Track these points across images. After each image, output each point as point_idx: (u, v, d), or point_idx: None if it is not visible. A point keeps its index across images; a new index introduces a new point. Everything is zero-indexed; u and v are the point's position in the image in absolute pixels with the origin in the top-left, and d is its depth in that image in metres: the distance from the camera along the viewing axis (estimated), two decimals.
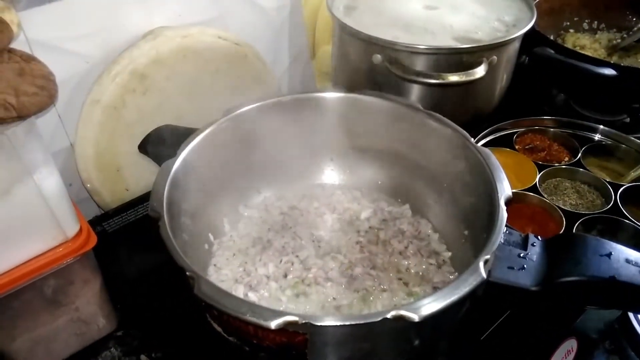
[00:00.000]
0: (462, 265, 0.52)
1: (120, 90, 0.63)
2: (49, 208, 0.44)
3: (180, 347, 0.52)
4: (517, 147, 0.74)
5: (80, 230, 0.48)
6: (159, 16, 0.67)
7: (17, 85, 0.38)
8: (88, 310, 0.52)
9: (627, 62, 0.89)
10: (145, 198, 0.66)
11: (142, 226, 0.64)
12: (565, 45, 0.90)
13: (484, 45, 0.65)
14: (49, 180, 0.43)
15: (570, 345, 0.52)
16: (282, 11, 0.82)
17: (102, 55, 0.63)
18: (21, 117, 0.37)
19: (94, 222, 0.63)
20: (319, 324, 0.34)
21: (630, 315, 0.55)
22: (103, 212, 0.70)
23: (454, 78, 0.62)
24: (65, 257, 0.47)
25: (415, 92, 0.68)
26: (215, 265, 0.53)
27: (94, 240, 0.49)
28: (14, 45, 0.40)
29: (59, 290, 0.49)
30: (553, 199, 0.65)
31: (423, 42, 0.66)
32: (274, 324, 0.33)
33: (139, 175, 0.70)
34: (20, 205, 0.42)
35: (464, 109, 0.72)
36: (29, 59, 0.40)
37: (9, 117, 0.37)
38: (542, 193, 0.65)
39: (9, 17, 0.41)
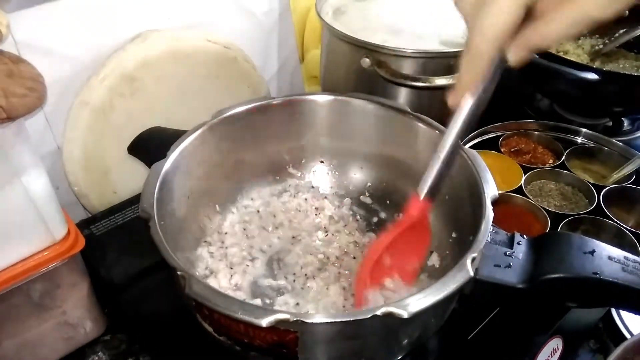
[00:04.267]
0: (449, 267, 0.52)
1: (109, 93, 0.63)
2: (37, 211, 0.44)
3: (169, 351, 0.52)
4: (502, 149, 0.75)
5: (68, 233, 0.48)
6: (147, 19, 0.67)
7: (6, 86, 0.38)
8: (75, 314, 0.52)
9: (609, 67, 0.90)
10: (133, 201, 0.66)
11: (130, 229, 0.63)
12: (549, 50, 0.91)
13: None
14: (38, 183, 0.43)
15: (556, 344, 0.53)
16: (271, 15, 0.82)
17: (90, 57, 0.63)
18: (10, 118, 0.37)
19: (82, 225, 0.63)
20: (309, 321, 0.34)
21: (614, 314, 0.56)
22: (90, 215, 0.70)
23: (441, 81, 0.63)
24: (53, 260, 0.46)
25: (403, 95, 0.69)
26: (202, 266, 0.53)
27: (81, 243, 0.48)
28: (2, 47, 0.40)
29: (46, 294, 0.49)
30: (538, 200, 0.66)
31: (411, 46, 0.66)
32: (265, 322, 0.33)
33: (127, 178, 0.70)
34: (8, 207, 0.42)
35: (451, 111, 0.73)
36: (17, 60, 0.40)
37: None
38: (527, 194, 0.66)
39: None
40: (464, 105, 0.36)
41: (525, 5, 0.31)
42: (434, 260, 0.54)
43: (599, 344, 0.57)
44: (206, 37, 0.71)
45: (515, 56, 0.33)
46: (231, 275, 0.50)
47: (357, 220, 0.60)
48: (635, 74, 0.83)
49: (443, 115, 0.59)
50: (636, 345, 0.41)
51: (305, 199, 0.61)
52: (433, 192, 0.40)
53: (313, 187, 0.63)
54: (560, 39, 0.33)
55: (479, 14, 0.32)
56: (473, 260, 0.39)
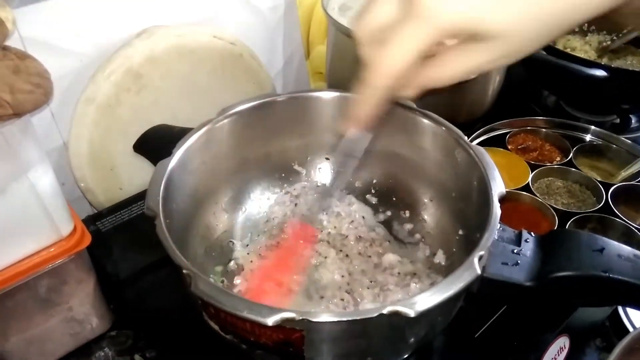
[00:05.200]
0: (456, 265, 0.52)
1: (115, 89, 0.63)
2: (44, 207, 0.44)
3: (175, 347, 0.52)
4: (509, 147, 0.75)
5: (75, 229, 0.48)
6: (153, 15, 0.67)
7: (13, 82, 0.37)
8: (81, 309, 0.52)
9: (616, 63, 0.90)
10: (139, 197, 0.66)
11: (136, 225, 0.63)
12: (556, 46, 0.91)
13: None
14: (44, 179, 0.43)
15: (563, 343, 0.53)
16: (276, 11, 0.82)
17: (96, 53, 0.63)
18: (17, 114, 0.37)
19: (88, 221, 0.63)
20: (316, 320, 0.34)
21: (621, 313, 0.56)
22: (96, 211, 0.70)
23: None
24: (60, 256, 0.46)
25: None
26: (208, 264, 0.53)
27: (88, 239, 0.48)
28: (8, 43, 0.40)
29: (53, 290, 0.49)
30: (545, 198, 0.66)
31: None
32: (271, 321, 0.33)
33: (133, 174, 0.70)
34: (15, 204, 0.42)
35: (457, 108, 0.72)
36: (23, 56, 0.40)
37: (5, 114, 0.37)
38: (534, 192, 0.66)
39: (4, 14, 0.41)
40: (351, 135, 0.38)
41: (423, 52, 0.32)
42: (441, 258, 0.54)
43: (605, 342, 0.56)
44: (212, 33, 0.71)
45: (407, 93, 0.36)
46: (239, 274, 0.50)
47: (363, 217, 0.60)
48: None
49: (449, 113, 0.59)
50: None
51: (311, 197, 0.61)
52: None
53: (319, 184, 0.63)
54: (450, 83, 0.34)
55: (378, 54, 0.33)
56: (480, 258, 0.39)
